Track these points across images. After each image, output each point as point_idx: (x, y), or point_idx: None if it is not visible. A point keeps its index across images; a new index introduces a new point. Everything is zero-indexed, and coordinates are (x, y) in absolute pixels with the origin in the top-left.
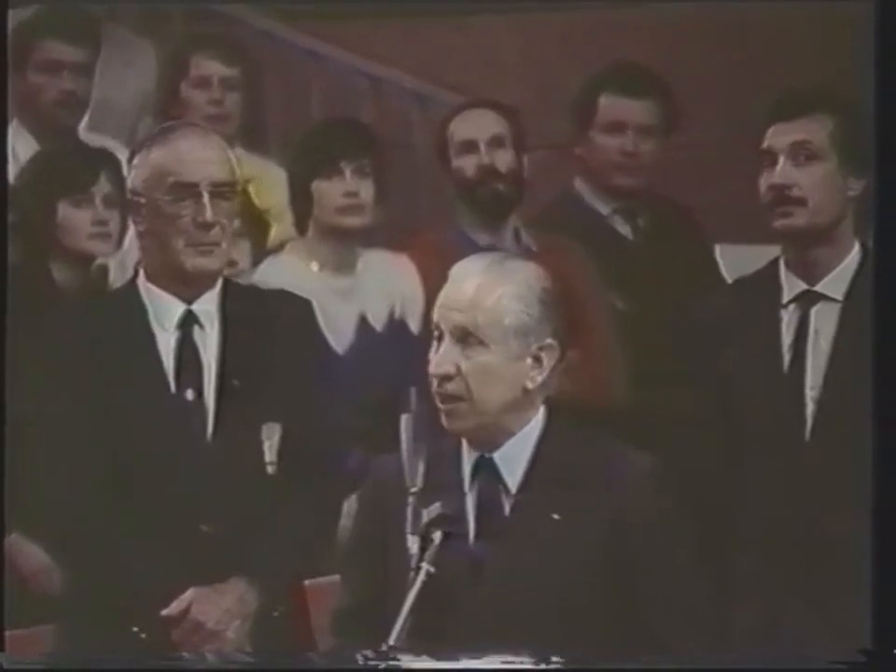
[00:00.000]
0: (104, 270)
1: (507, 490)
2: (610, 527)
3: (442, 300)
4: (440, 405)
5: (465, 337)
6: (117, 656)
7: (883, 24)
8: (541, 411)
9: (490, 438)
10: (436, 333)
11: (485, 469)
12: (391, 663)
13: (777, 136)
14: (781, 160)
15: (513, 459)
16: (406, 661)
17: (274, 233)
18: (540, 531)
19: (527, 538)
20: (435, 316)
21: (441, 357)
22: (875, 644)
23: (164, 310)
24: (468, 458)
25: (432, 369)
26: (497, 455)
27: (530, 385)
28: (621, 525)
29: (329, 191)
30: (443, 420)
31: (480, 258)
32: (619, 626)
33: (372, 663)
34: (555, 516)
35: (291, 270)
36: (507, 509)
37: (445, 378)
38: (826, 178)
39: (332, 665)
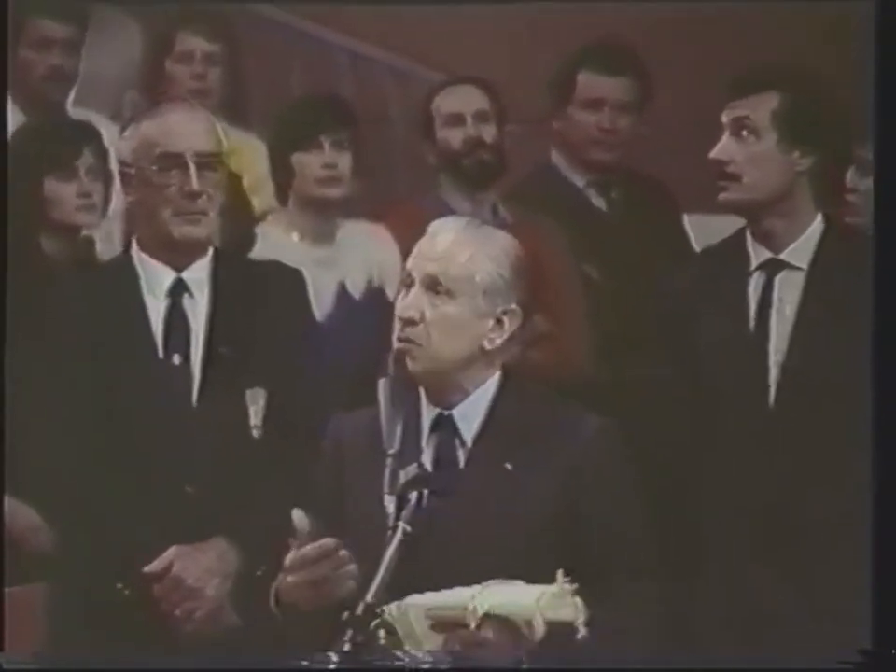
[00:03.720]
0: (90, 241)
1: (463, 443)
2: (562, 481)
3: (417, 250)
4: (397, 346)
5: (434, 286)
6: (117, 656)
7: (883, 24)
8: (498, 374)
9: (446, 392)
10: (407, 280)
11: (444, 425)
12: (396, 663)
13: (728, 112)
14: (725, 135)
15: (470, 416)
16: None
17: (256, 205)
18: (494, 482)
19: (482, 488)
20: (408, 265)
21: (409, 303)
22: (875, 644)
23: (155, 278)
24: (427, 415)
25: (399, 311)
26: (455, 412)
27: (488, 346)
28: (572, 480)
29: (309, 164)
30: (403, 361)
31: (459, 218)
32: (572, 575)
33: (378, 663)
34: (508, 466)
35: (273, 240)
36: (462, 461)
37: (409, 322)
38: (763, 155)
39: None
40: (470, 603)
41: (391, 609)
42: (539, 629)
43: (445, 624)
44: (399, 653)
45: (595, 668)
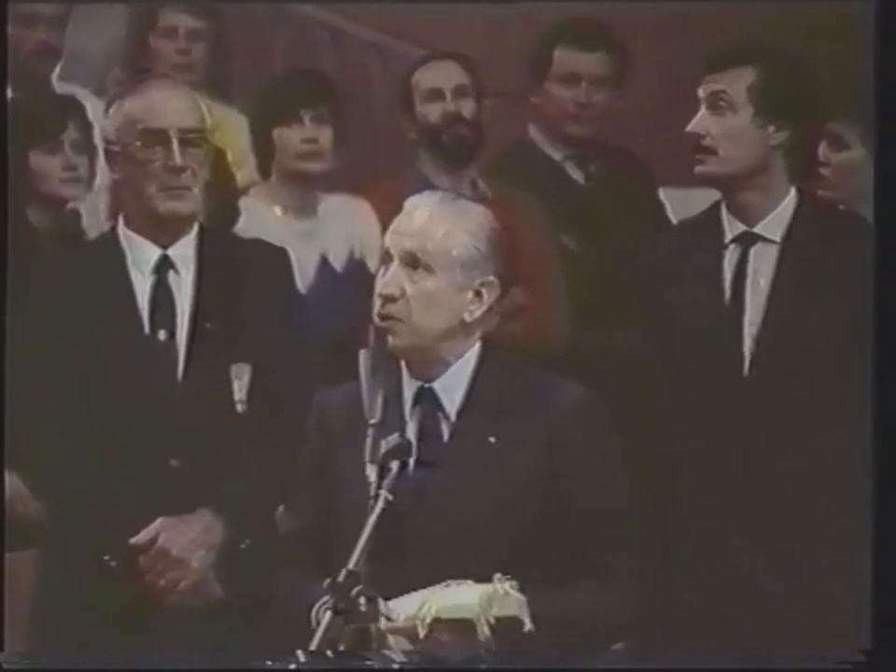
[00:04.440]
0: (76, 213)
1: (446, 417)
2: (544, 451)
3: (395, 226)
4: (379, 323)
5: (413, 262)
6: (117, 656)
7: (883, 24)
8: (478, 345)
9: (427, 365)
10: (385, 257)
11: (426, 397)
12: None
13: (705, 87)
14: (702, 109)
15: (452, 388)
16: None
17: (239, 178)
18: (478, 454)
19: (466, 461)
20: (386, 241)
21: (389, 279)
22: (875, 644)
23: (141, 255)
24: (408, 388)
25: (379, 289)
26: (436, 385)
27: (468, 318)
28: (553, 450)
29: (290, 138)
30: (386, 338)
31: (434, 193)
32: (555, 546)
33: (368, 663)
34: (492, 439)
35: (256, 213)
36: (446, 435)
37: (390, 299)
38: (739, 129)
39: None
40: (420, 611)
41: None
42: (484, 628)
43: (404, 633)
44: (367, 654)
45: (595, 668)
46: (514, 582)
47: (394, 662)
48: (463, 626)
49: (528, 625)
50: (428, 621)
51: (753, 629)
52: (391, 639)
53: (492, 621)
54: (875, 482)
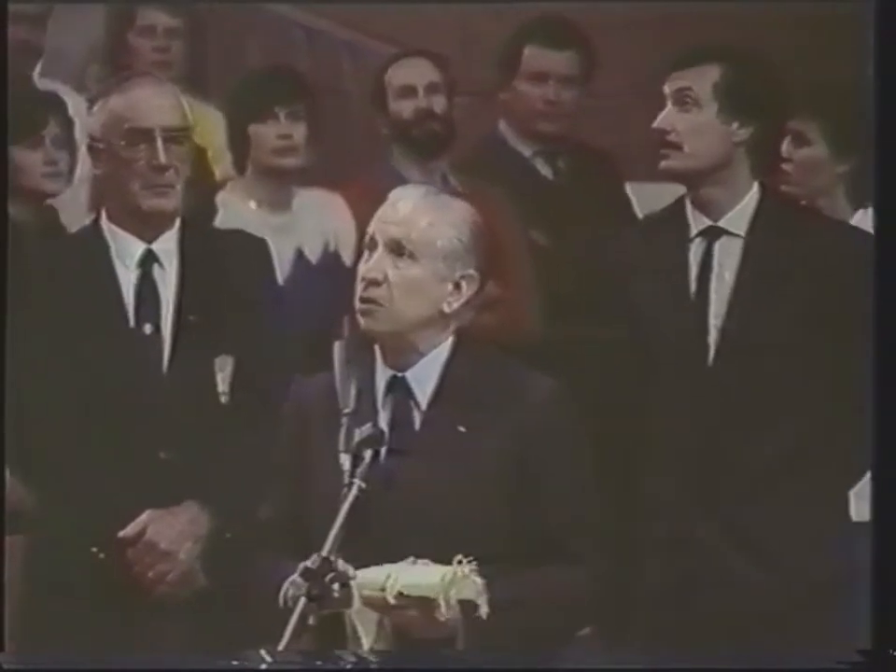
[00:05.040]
0: (55, 208)
1: (418, 406)
2: (513, 441)
3: (380, 215)
4: (359, 306)
5: (398, 249)
6: (116, 656)
7: (883, 24)
8: (451, 338)
9: (401, 353)
10: (369, 243)
11: (398, 387)
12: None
13: (670, 84)
14: (668, 105)
15: (424, 379)
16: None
17: (216, 174)
18: (448, 444)
19: (436, 450)
20: (371, 228)
21: (374, 264)
22: (875, 644)
23: (125, 249)
24: (381, 377)
25: (362, 272)
26: (409, 374)
27: (446, 309)
28: (522, 440)
29: (265, 134)
30: (360, 321)
31: (418, 186)
32: (522, 532)
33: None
34: (461, 429)
35: (232, 208)
36: (417, 424)
37: (373, 283)
38: (704, 125)
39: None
40: (386, 582)
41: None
42: (447, 609)
43: (373, 602)
44: (338, 652)
45: (594, 668)
46: (474, 566)
47: (371, 662)
48: (426, 604)
49: (484, 609)
50: (394, 593)
51: (717, 614)
52: (359, 618)
53: (452, 602)
54: (874, 481)
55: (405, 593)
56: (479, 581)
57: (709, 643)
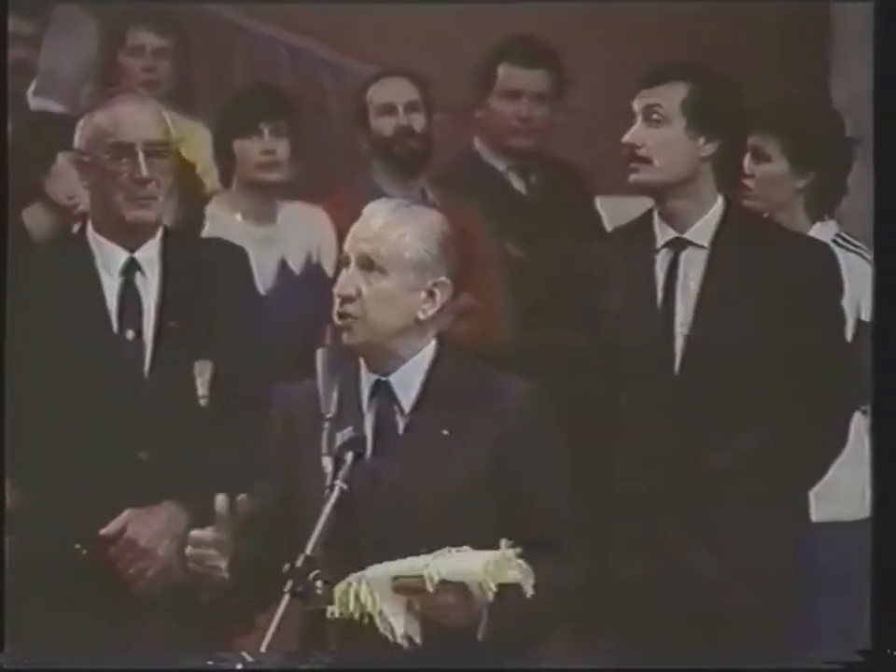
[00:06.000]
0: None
1: (401, 410)
2: (494, 444)
3: (353, 232)
4: (338, 321)
5: (368, 264)
6: (116, 656)
7: (883, 24)
8: (433, 343)
9: (383, 361)
10: (344, 260)
11: (382, 391)
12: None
13: (640, 101)
14: (637, 121)
15: (407, 383)
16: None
17: (206, 187)
18: (431, 447)
19: (420, 453)
20: (346, 246)
21: (346, 281)
22: (875, 644)
23: (109, 257)
24: (366, 381)
25: (337, 289)
26: (392, 378)
27: (422, 316)
28: (503, 442)
29: (250, 149)
30: (342, 336)
31: (389, 200)
32: (503, 532)
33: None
34: (445, 432)
35: (219, 220)
36: (401, 427)
37: (347, 299)
38: (672, 140)
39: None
40: (425, 570)
41: (352, 580)
42: (489, 593)
43: (408, 589)
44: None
45: (595, 668)
46: (519, 550)
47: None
48: (465, 590)
49: (530, 592)
50: (437, 579)
51: (687, 611)
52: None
53: (494, 587)
54: (873, 480)
55: (446, 579)
56: (523, 563)
57: (681, 640)
